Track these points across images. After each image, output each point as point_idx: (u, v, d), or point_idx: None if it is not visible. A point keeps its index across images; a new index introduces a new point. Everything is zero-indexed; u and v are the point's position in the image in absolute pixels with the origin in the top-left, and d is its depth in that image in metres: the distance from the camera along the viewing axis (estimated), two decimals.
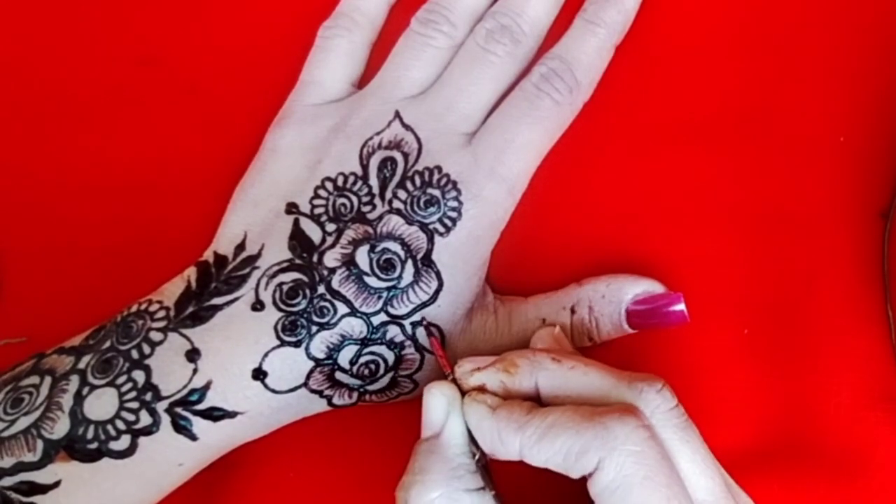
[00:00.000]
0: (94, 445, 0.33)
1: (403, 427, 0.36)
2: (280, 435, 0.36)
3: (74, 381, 0.34)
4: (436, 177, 0.36)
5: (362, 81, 0.39)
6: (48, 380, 0.34)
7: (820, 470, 0.36)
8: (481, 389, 0.31)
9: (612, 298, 0.36)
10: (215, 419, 0.34)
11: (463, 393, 0.32)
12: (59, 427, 0.33)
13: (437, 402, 0.31)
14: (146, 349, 0.34)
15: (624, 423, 0.28)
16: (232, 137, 0.39)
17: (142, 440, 0.33)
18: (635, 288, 0.36)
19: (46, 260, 0.39)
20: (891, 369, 0.36)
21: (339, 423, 0.37)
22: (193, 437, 0.34)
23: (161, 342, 0.34)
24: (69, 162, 0.40)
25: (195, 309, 0.34)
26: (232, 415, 0.34)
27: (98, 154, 0.40)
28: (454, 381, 0.32)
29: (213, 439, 0.34)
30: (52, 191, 0.40)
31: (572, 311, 0.36)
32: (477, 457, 0.31)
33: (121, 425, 0.33)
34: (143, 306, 0.35)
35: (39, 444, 0.33)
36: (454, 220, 0.35)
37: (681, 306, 0.35)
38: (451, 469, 0.30)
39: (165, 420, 0.33)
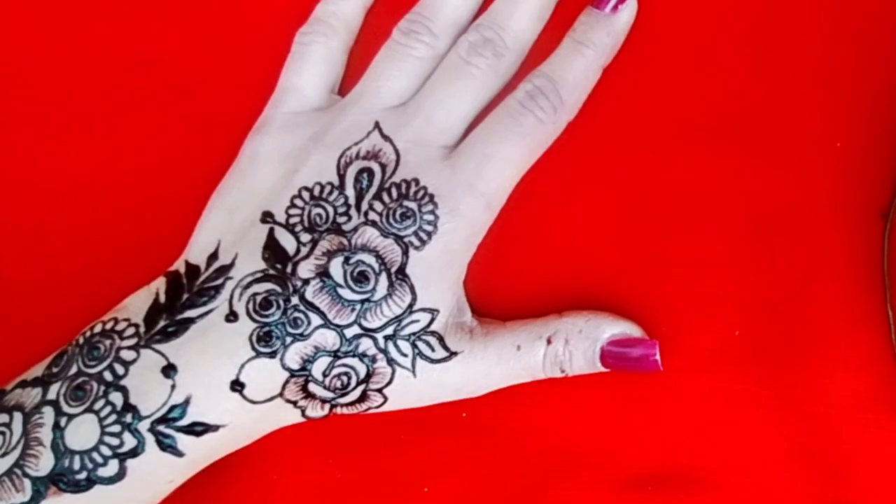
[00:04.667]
0: (83, 475, 0.32)
1: (401, 426, 0.37)
2: (272, 435, 0.36)
3: (48, 413, 0.33)
4: (412, 189, 0.35)
5: (341, 87, 0.39)
6: (18, 416, 0.33)
7: (816, 471, 0.36)
8: None
9: (588, 335, 0.36)
10: (198, 434, 0.33)
11: None
12: (44, 463, 0.32)
13: None
14: (119, 370, 0.33)
15: None
16: (226, 140, 0.38)
17: (130, 463, 0.33)
18: (613, 328, 0.36)
19: (31, 261, 0.39)
20: (891, 370, 0.36)
21: (333, 423, 0.37)
22: (179, 454, 0.33)
23: (134, 361, 0.33)
24: (59, 163, 0.39)
25: (167, 323, 0.34)
26: (214, 428, 0.34)
27: (89, 155, 0.39)
28: None
29: (198, 454, 0.34)
30: (43, 192, 0.39)
31: (548, 341, 0.36)
32: None
33: (106, 451, 0.33)
34: (109, 325, 0.34)
35: (27, 484, 0.32)
36: (429, 234, 0.35)
37: (655, 355, 0.35)
38: None
39: (150, 440, 0.33)
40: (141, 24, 0.40)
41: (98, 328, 0.34)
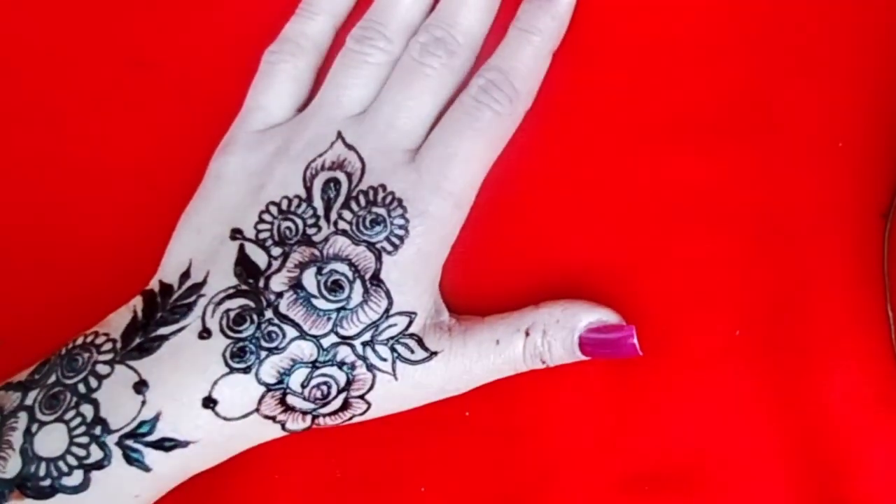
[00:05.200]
0: (46, 482, 0.33)
1: (400, 425, 0.37)
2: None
3: (23, 418, 0.34)
4: (380, 195, 0.35)
5: (306, 104, 0.39)
6: None
7: (816, 471, 0.36)
8: None
9: (565, 324, 0.35)
10: (167, 449, 0.34)
11: None
12: (11, 466, 0.33)
13: None
14: (93, 383, 0.34)
15: None
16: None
17: (94, 474, 0.33)
18: (589, 316, 0.35)
19: (26, 263, 0.39)
20: (890, 370, 0.36)
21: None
22: (146, 469, 0.34)
23: (108, 375, 0.34)
24: (54, 165, 0.40)
25: (142, 340, 0.34)
26: (184, 444, 0.34)
27: (85, 157, 0.40)
28: None
29: (167, 469, 0.34)
30: (37, 195, 0.40)
31: (526, 333, 0.35)
32: None
33: (72, 461, 0.33)
34: (90, 339, 0.35)
35: None
36: (401, 238, 0.35)
37: (632, 340, 0.35)
38: None
39: (116, 453, 0.33)
40: (138, 25, 0.41)
41: (80, 341, 0.35)
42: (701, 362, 0.37)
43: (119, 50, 0.41)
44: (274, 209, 0.36)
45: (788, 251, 0.37)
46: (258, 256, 0.35)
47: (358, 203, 0.35)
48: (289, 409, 0.35)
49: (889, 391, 0.36)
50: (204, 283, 0.35)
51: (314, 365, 0.34)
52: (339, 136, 0.36)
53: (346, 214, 0.35)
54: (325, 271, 0.35)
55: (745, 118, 0.38)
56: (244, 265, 0.35)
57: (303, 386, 0.34)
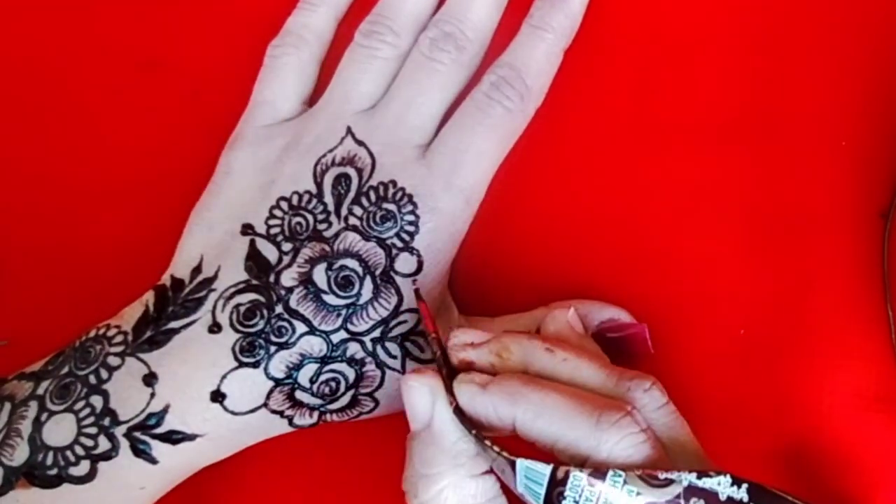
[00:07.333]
0: (53, 472, 0.33)
1: (402, 425, 0.36)
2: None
3: (33, 407, 0.34)
4: (391, 191, 0.35)
5: (313, 98, 0.39)
6: (7, 406, 0.34)
7: (817, 469, 0.36)
8: (469, 364, 0.32)
9: (577, 324, 0.35)
10: (174, 442, 0.34)
11: (448, 367, 0.31)
12: (19, 454, 0.33)
13: (420, 394, 0.31)
14: (104, 374, 0.34)
15: (619, 427, 0.28)
16: None
17: (101, 465, 0.33)
18: (601, 314, 0.35)
19: (39, 262, 0.40)
20: (891, 369, 0.36)
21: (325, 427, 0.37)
22: (153, 461, 0.34)
23: (118, 367, 0.34)
24: (67, 165, 0.40)
25: (152, 333, 0.34)
26: (191, 437, 0.34)
27: (97, 157, 0.40)
28: (440, 351, 0.32)
29: (174, 462, 0.34)
30: (50, 194, 0.40)
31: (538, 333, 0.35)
32: (474, 433, 0.30)
33: (80, 451, 0.33)
34: (102, 331, 0.35)
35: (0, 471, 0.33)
36: (412, 234, 0.35)
37: (645, 337, 0.35)
38: (452, 458, 0.30)
39: (124, 445, 0.33)
40: (148, 25, 0.41)
41: (93, 333, 0.35)
42: (705, 361, 0.37)
43: (127, 50, 0.41)
44: (284, 204, 0.36)
45: (790, 251, 0.37)
46: (269, 251, 0.35)
47: (368, 199, 0.35)
48: (297, 404, 0.35)
49: (889, 391, 0.36)
50: (215, 277, 0.35)
51: (323, 360, 0.34)
52: (349, 131, 0.36)
53: (357, 210, 0.35)
54: (335, 267, 0.35)
55: (750, 119, 0.38)
56: (255, 260, 0.35)
57: (311, 381, 0.34)
